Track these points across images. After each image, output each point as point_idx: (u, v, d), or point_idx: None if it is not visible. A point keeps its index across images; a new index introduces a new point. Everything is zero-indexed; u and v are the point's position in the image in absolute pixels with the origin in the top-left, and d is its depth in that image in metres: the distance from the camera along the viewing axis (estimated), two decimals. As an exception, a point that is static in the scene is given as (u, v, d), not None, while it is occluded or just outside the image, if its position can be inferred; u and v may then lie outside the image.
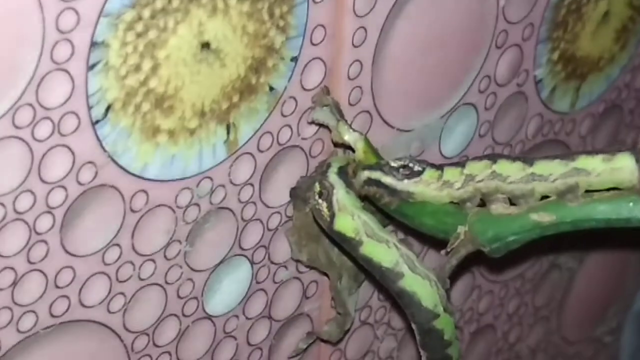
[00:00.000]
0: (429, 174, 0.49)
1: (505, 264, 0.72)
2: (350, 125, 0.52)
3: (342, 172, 0.50)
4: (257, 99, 0.51)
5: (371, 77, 0.56)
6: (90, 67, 0.44)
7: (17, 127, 0.43)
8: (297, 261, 0.57)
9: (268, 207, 0.55)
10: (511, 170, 0.47)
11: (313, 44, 0.52)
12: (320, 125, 0.54)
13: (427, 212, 0.49)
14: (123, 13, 0.44)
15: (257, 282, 0.57)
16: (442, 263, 0.49)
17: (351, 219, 0.49)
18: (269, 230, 0.56)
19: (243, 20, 0.48)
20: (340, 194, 0.49)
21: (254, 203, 0.54)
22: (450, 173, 0.48)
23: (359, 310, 0.63)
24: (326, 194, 0.50)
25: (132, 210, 0.49)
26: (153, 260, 0.51)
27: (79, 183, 0.46)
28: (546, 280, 0.77)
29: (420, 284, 0.49)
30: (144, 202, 0.49)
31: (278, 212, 0.56)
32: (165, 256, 0.52)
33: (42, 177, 0.45)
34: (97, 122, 0.46)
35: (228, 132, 0.51)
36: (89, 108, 0.45)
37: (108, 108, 0.46)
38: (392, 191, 0.49)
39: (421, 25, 0.57)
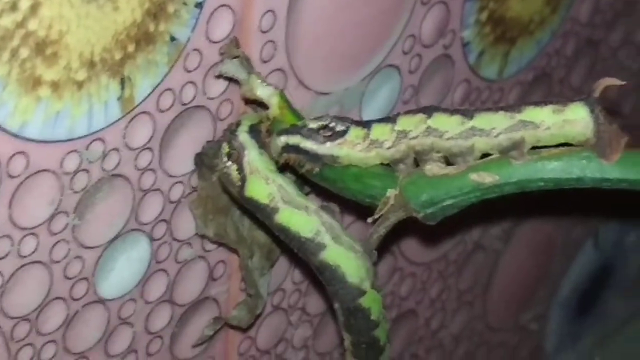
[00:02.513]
0: (354, 133, 0.43)
1: (428, 244, 0.66)
2: (263, 79, 0.46)
3: (254, 131, 0.44)
4: (156, 49, 0.45)
5: (286, 31, 0.50)
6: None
7: None
8: (203, 237, 0.51)
9: (169, 175, 0.49)
10: (449, 125, 0.41)
11: (219, -10, 0.46)
12: (229, 80, 0.48)
13: (352, 175, 0.43)
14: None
15: (157, 262, 0.50)
16: (368, 233, 0.43)
17: (265, 183, 0.43)
18: (171, 202, 0.49)
19: (139, -43, 0.42)
20: (252, 155, 0.43)
21: (153, 170, 0.48)
22: (379, 130, 0.43)
23: (271, 294, 0.57)
24: (236, 156, 0.44)
25: (9, 176, 0.42)
26: (35, 235, 0.45)
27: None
28: (470, 263, 0.72)
29: (345, 257, 0.43)
30: (23, 166, 0.43)
31: (181, 182, 0.49)
32: (49, 230, 0.45)
33: None
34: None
35: (122, 87, 0.44)
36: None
37: (-21, 53, 0.39)
38: (313, 156, 0.43)
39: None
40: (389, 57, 0.56)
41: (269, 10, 0.49)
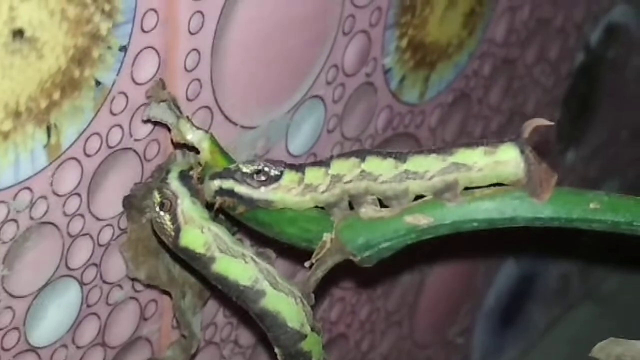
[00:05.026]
0: (289, 177, 0.43)
1: (357, 268, 0.67)
2: (192, 123, 0.46)
3: (185, 178, 0.44)
4: (81, 95, 0.44)
5: (210, 69, 0.50)
6: None
7: None
8: (134, 279, 0.51)
9: (98, 219, 0.48)
10: (382, 168, 0.41)
11: (144, 31, 0.46)
12: (156, 123, 0.47)
13: (287, 219, 0.43)
14: None
15: (88, 306, 0.50)
16: (305, 276, 0.43)
17: (200, 232, 0.43)
18: (100, 245, 0.49)
19: (62, 4, 0.41)
20: (186, 204, 0.43)
21: (82, 215, 0.47)
22: (313, 174, 0.42)
23: (204, 328, 0.57)
24: (168, 205, 0.43)
25: (-63, 231, 0.42)
26: (-36, 289, 0.44)
27: None
28: (398, 284, 0.72)
29: (285, 302, 0.43)
30: (-50, 221, 0.42)
31: (110, 225, 0.49)
32: (-22, 283, 0.44)
33: None
34: None
35: (49, 135, 0.44)
36: None
37: None
38: (248, 200, 0.43)
39: (263, 10, 0.51)
40: (313, 88, 0.56)
41: (193, 49, 0.48)
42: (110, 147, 0.47)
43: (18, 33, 0.40)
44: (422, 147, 0.55)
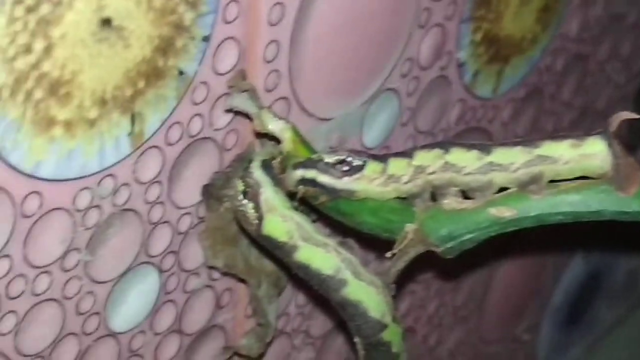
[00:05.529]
0: (372, 167, 0.43)
1: (427, 261, 0.67)
2: (274, 113, 0.46)
3: (267, 167, 0.44)
4: (165, 84, 0.45)
5: (289, 60, 0.50)
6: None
7: None
8: (211, 268, 0.51)
9: (178, 207, 0.49)
10: (466, 160, 0.41)
11: (226, 22, 0.46)
12: (236, 113, 0.48)
13: (369, 209, 0.43)
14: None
15: (166, 293, 0.50)
16: (386, 267, 0.43)
17: (282, 221, 0.43)
18: (179, 233, 0.50)
19: (149, -7, 0.42)
20: (269, 193, 0.43)
21: (162, 203, 0.48)
22: (396, 165, 0.43)
23: (276, 318, 0.57)
24: (251, 194, 0.43)
25: (24, 216, 0.42)
26: (48, 273, 0.44)
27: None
28: (466, 279, 0.72)
29: (366, 292, 0.43)
30: (37, 206, 0.43)
31: (189, 213, 0.49)
32: (62, 267, 0.45)
33: None
34: (-19, 113, 0.39)
35: (133, 123, 0.44)
36: (-28, 96, 0.38)
37: (-5, 96, 0.39)
38: (330, 190, 0.43)
39: (341, 1, 0.51)
40: (387, 81, 0.56)
41: (272, 41, 0.49)
42: (190, 136, 0.47)
43: (106, 22, 0.41)
44: (494, 142, 0.55)
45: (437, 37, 0.58)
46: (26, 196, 0.42)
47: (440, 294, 0.70)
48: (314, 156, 0.44)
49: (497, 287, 0.76)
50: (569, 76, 0.71)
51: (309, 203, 0.45)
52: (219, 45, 0.47)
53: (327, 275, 0.43)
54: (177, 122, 0.47)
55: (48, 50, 0.40)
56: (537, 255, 0.79)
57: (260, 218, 0.43)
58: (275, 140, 0.47)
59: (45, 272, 0.44)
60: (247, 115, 0.48)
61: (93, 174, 0.44)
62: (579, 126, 0.75)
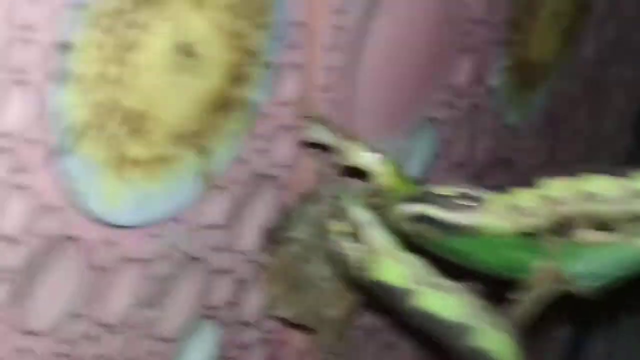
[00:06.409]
0: (494, 200, 0.39)
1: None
2: (362, 144, 0.42)
3: (363, 204, 0.40)
4: (233, 117, 0.41)
5: (345, 87, 0.46)
6: (53, 77, 0.33)
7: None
8: (273, 317, 0.47)
9: (238, 253, 0.45)
10: (606, 188, 0.38)
11: (290, 47, 0.43)
12: (298, 147, 0.44)
13: (488, 246, 0.39)
14: (93, 4, 0.33)
15: (224, 348, 0.46)
16: (512, 309, 0.39)
17: (394, 263, 0.38)
18: (239, 282, 0.45)
19: (223, 15, 0.38)
20: (374, 233, 0.39)
21: (224, 249, 0.44)
22: (522, 197, 0.38)
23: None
24: (352, 235, 0.39)
25: (94, 267, 0.38)
26: (116, 331, 0.40)
27: (37, 235, 0.35)
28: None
29: (495, 339, 0.38)
30: (108, 256, 0.38)
31: (248, 259, 0.45)
32: (129, 324, 0.40)
33: (-5, 229, 0.33)
34: (57, 152, 0.34)
35: (202, 161, 0.40)
36: (51, 133, 0.34)
37: (72, 133, 0.34)
38: (445, 227, 0.39)
39: (394, 28, 0.48)
40: (428, 109, 0.53)
41: (330, 68, 0.45)
42: (254, 173, 0.43)
43: (184, 48, 0.37)
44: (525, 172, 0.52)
45: (474, 63, 0.55)
46: (98, 246, 0.37)
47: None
48: (425, 189, 0.40)
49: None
50: (582, 102, 0.69)
51: (412, 243, 0.41)
52: (282, 72, 0.43)
53: (449, 322, 0.38)
54: (242, 158, 0.42)
55: (126, 79, 0.35)
56: None
57: (366, 261, 0.39)
58: (359, 174, 0.42)
59: (113, 330, 0.40)
60: (310, 150, 0.44)
61: (163, 218, 0.40)
62: (589, 154, 0.73)
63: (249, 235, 0.45)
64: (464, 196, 0.39)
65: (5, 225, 0.33)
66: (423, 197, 0.39)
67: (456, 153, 0.57)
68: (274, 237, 0.45)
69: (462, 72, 0.54)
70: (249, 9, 0.39)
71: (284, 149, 0.44)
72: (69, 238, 0.36)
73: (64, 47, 0.32)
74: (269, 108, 0.43)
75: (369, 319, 0.52)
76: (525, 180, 0.39)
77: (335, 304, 0.46)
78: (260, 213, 0.45)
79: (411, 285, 0.38)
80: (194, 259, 0.42)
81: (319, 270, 0.45)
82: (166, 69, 0.37)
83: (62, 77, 0.33)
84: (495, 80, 0.58)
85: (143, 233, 0.39)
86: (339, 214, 0.40)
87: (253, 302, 0.46)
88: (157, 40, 0.36)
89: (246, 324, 0.47)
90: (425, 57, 0.51)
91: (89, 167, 0.35)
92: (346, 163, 0.42)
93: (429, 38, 0.51)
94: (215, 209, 0.42)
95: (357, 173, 0.42)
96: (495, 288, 0.38)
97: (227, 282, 0.45)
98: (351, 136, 0.42)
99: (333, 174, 0.45)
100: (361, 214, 0.39)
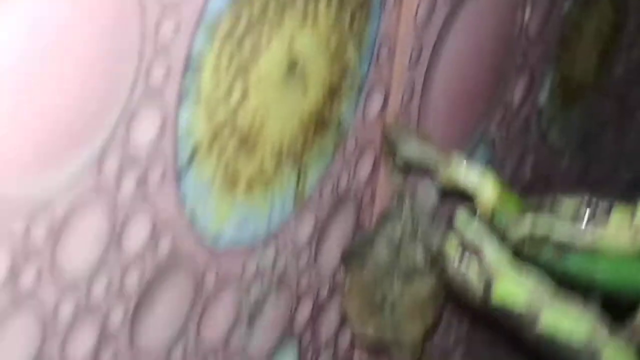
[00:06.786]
0: (618, 216, 0.37)
1: None
2: (466, 161, 0.41)
3: (477, 224, 0.38)
4: (327, 135, 0.41)
5: (419, 104, 0.46)
6: (182, 95, 0.32)
7: (101, 181, 0.31)
8: (356, 335, 0.46)
9: (321, 273, 0.44)
10: None
11: (378, 63, 0.42)
12: (373, 166, 0.43)
13: (609, 264, 0.38)
14: (221, 18, 0.33)
15: (302, 368, 0.45)
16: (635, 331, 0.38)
17: (517, 284, 0.37)
18: (319, 303, 0.45)
19: (328, 31, 0.38)
20: (494, 254, 0.37)
21: (310, 269, 0.43)
22: None
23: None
24: (471, 256, 0.38)
25: (202, 290, 0.37)
26: (217, 352, 0.39)
27: (156, 257, 0.34)
28: None
29: None
30: (213, 279, 0.37)
31: (329, 279, 0.45)
32: (227, 344, 0.39)
33: (122, 250, 0.32)
34: (181, 171, 0.33)
35: (298, 180, 0.40)
36: (176, 152, 0.33)
37: (193, 152, 0.34)
38: (565, 245, 0.38)
39: (464, 45, 0.48)
40: (487, 128, 0.53)
41: (410, 83, 0.45)
42: (338, 193, 0.43)
43: (293, 64, 0.37)
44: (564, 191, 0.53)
45: (527, 81, 0.55)
46: (206, 269, 0.37)
47: None
48: (544, 205, 0.39)
49: None
50: (611, 121, 0.69)
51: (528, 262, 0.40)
52: (369, 91, 0.42)
53: (578, 344, 0.37)
54: (330, 177, 0.42)
55: (244, 96, 0.35)
56: None
57: (488, 284, 0.38)
58: (457, 191, 0.42)
59: (214, 351, 0.39)
60: (386, 169, 0.44)
61: (261, 239, 0.39)
62: (615, 172, 0.73)
63: (330, 255, 0.44)
64: (589, 208, 0.38)
65: (129, 243, 0.32)
66: (543, 213, 0.38)
67: (506, 172, 0.57)
68: (353, 257, 0.44)
69: (517, 91, 0.54)
70: (350, 27, 0.39)
71: (366, 167, 0.44)
72: (181, 258, 0.35)
73: (194, 66, 0.32)
74: (358, 126, 0.43)
75: (443, 339, 0.52)
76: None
77: (412, 324, 0.46)
78: (341, 232, 0.44)
79: (536, 307, 0.37)
80: (282, 279, 0.41)
81: (397, 290, 0.45)
82: (277, 86, 0.36)
83: (189, 96, 0.32)
84: (543, 98, 0.58)
85: (242, 253, 0.39)
86: (458, 235, 0.38)
87: (332, 322, 0.46)
88: (271, 58, 0.35)
89: (325, 343, 0.46)
90: (488, 76, 0.51)
91: (203, 186, 0.35)
92: (446, 181, 0.41)
93: (493, 57, 0.51)
94: (304, 229, 0.42)
95: (454, 191, 0.42)
96: (615, 309, 0.38)
97: (308, 302, 0.44)
98: (447, 153, 0.41)
99: (411, 192, 0.44)
100: (476, 233, 0.38)
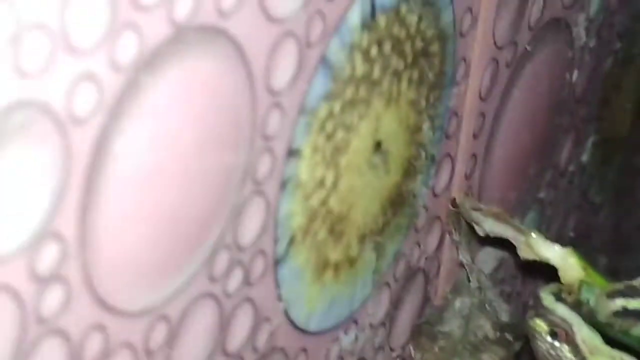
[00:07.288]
0: None
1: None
2: (545, 237, 0.40)
3: (564, 302, 0.38)
4: (403, 212, 0.40)
5: (480, 173, 0.46)
6: (284, 185, 0.31)
7: (211, 283, 0.30)
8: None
9: (393, 349, 0.43)
10: None
11: (447, 137, 0.42)
12: (441, 238, 0.43)
13: None
14: (319, 108, 0.32)
15: None
16: None
17: None
18: (390, 380, 0.44)
19: (407, 110, 0.37)
20: (585, 332, 0.37)
21: (382, 348, 0.42)
22: None
23: None
24: (563, 335, 0.37)
25: (291, 378, 0.36)
26: None
27: (255, 350, 0.33)
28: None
29: None
30: (303, 363, 0.36)
31: (402, 355, 0.44)
32: None
33: (225, 349, 0.31)
34: (280, 260, 0.33)
35: (377, 259, 0.39)
36: (275, 242, 0.32)
37: (291, 240, 0.33)
38: None
39: (521, 109, 0.47)
40: (537, 190, 0.52)
41: (473, 154, 0.44)
42: (410, 269, 0.42)
43: (377, 146, 0.36)
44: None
45: (573, 141, 0.55)
46: (298, 352, 0.36)
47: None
48: (634, 282, 0.38)
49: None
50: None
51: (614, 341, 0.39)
52: (439, 164, 0.42)
53: None
54: (403, 254, 0.41)
55: (335, 182, 0.34)
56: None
57: None
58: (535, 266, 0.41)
59: None
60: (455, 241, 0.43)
61: (344, 320, 0.38)
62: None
63: (402, 331, 0.43)
64: None
65: (233, 341, 0.31)
66: (632, 290, 0.38)
67: (552, 231, 0.57)
68: (424, 332, 0.44)
69: (564, 151, 0.54)
70: (426, 103, 0.38)
71: (434, 240, 0.43)
72: (280, 350, 0.34)
73: (294, 154, 0.31)
74: (428, 200, 0.42)
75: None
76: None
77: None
78: (410, 306, 0.43)
79: None
80: (361, 356, 0.41)
81: (468, 362, 0.44)
82: (363, 168, 0.35)
83: (289, 186, 0.31)
84: (585, 157, 0.57)
85: (327, 338, 0.38)
86: (546, 313, 0.38)
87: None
88: (359, 141, 0.35)
89: None
90: (540, 138, 0.51)
91: (296, 273, 0.34)
92: (528, 257, 0.40)
93: (545, 120, 0.50)
94: (382, 307, 0.41)
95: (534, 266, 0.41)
96: None
97: (382, 382, 0.43)
98: (524, 229, 0.41)
99: (477, 264, 0.44)
100: (565, 312, 0.38)
